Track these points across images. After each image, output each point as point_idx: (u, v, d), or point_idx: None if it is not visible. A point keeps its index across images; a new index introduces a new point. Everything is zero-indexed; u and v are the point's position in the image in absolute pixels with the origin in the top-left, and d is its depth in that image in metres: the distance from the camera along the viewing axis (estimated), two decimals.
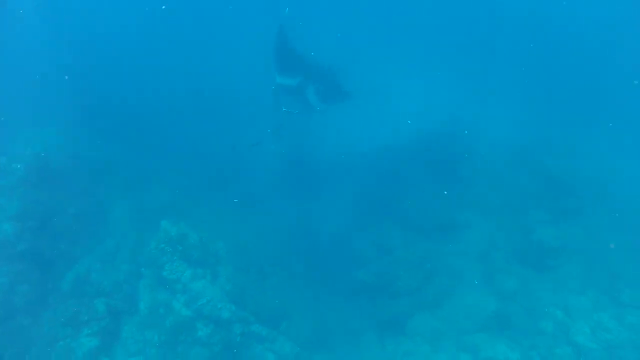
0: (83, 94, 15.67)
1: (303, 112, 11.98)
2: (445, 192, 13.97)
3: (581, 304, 12.05)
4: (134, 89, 16.05)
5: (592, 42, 18.46)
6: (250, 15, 18.71)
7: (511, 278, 12.83)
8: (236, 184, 13.82)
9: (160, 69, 16.77)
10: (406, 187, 14.35)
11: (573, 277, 12.66)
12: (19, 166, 13.04)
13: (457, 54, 18.66)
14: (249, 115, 14.43)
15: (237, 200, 13.24)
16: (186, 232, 11.74)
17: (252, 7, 19.41)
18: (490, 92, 17.16)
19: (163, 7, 19.17)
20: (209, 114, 15.51)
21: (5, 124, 14.73)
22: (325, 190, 14.15)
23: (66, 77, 15.17)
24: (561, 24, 19.03)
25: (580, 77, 17.58)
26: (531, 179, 14.46)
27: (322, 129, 14.29)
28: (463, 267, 13.15)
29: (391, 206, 14.11)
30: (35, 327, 11.73)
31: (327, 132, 14.11)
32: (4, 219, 12.18)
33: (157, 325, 11.03)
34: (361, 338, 12.59)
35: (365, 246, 13.49)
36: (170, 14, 18.93)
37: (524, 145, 15.32)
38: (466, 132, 15.47)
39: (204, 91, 15.80)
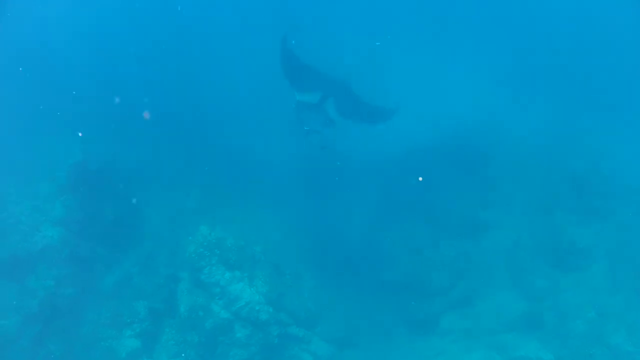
0: (116, 102, 15.90)
1: (325, 128, 11.65)
2: (473, 192, 13.86)
3: (614, 305, 11.86)
4: (167, 97, 16.24)
5: (622, 41, 18.13)
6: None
7: (540, 278, 12.76)
8: (268, 187, 13.89)
9: (193, 76, 16.95)
10: (434, 188, 14.32)
11: (604, 277, 12.49)
12: (60, 173, 13.32)
13: (483, 53, 18.47)
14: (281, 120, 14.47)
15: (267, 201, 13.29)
16: (223, 236, 11.95)
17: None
18: (517, 92, 16.98)
19: (179, 8, 19.28)
20: (240, 120, 15.61)
21: (45, 133, 15.05)
22: (354, 191, 14.23)
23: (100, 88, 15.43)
24: (593, 23, 18.70)
25: (610, 76, 17.30)
26: (559, 179, 14.30)
27: (349, 131, 14.24)
28: (492, 266, 13.12)
29: (420, 207, 14.11)
30: (78, 327, 12.03)
31: (355, 134, 14.12)
32: (49, 225, 12.50)
33: (197, 327, 11.26)
34: (392, 337, 12.68)
35: (394, 246, 13.53)
36: (200, 21, 19.11)
37: (551, 145, 15.14)
38: (493, 132, 15.33)
39: (235, 96, 15.92)
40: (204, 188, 14.10)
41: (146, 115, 15.72)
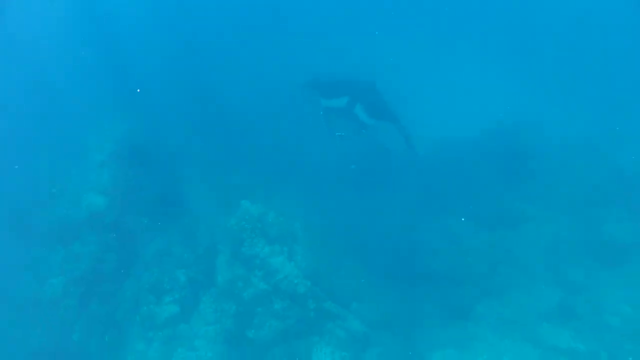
0: (163, 83, 16.11)
1: (356, 132, 11.53)
2: (513, 186, 13.66)
3: None
4: (211, 79, 16.39)
5: None
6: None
7: (577, 271, 12.44)
8: (308, 171, 13.88)
9: (236, 64, 17.06)
10: (472, 181, 14.14)
11: None
12: (107, 145, 13.54)
13: (521, 47, 18.20)
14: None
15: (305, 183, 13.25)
16: (264, 211, 11.98)
17: None
18: (557, 86, 16.69)
19: None
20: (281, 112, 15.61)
21: (93, 105, 15.33)
22: (394, 182, 14.13)
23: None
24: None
25: None
26: (599, 174, 13.97)
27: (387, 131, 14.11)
28: (529, 258, 12.85)
29: (458, 199, 13.95)
30: (120, 292, 12.21)
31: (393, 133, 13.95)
32: (96, 192, 12.74)
33: (235, 297, 11.30)
34: (426, 322, 12.52)
35: (432, 236, 13.37)
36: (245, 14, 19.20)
37: (591, 139, 14.83)
38: (534, 128, 15.09)
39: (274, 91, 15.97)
40: (244, 169, 14.09)
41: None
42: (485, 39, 19.37)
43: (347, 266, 12.30)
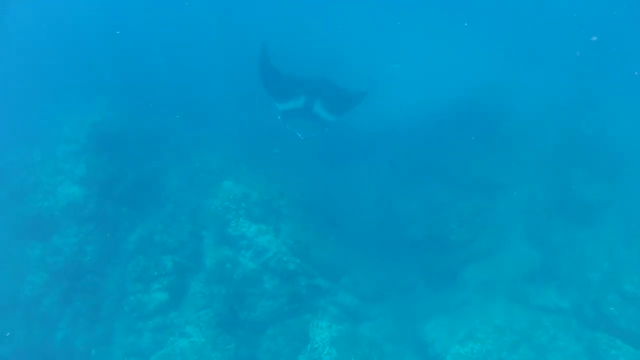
0: (131, 66, 15.30)
1: (320, 130, 10.37)
2: (486, 153, 13.54)
3: (627, 256, 11.67)
4: (179, 62, 15.64)
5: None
6: None
7: (555, 232, 12.54)
8: (283, 149, 13.40)
9: (209, 43, 16.34)
10: (448, 150, 13.98)
11: (617, 231, 12.29)
12: (81, 134, 12.76)
13: (490, 14, 18.00)
14: None
15: (278, 151, 12.66)
16: (247, 191, 11.50)
17: None
18: (525, 54, 16.64)
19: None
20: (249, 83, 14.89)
21: (63, 96, 14.45)
22: (372, 155, 13.84)
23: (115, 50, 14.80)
24: None
25: (615, 40, 16.98)
26: (567, 139, 14.05)
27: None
28: (508, 222, 12.88)
29: (436, 168, 13.78)
30: (105, 284, 11.57)
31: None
32: (72, 182, 11.99)
33: (225, 279, 10.85)
34: (414, 291, 12.40)
35: (412, 205, 13.19)
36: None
37: (557, 105, 14.87)
38: (503, 95, 15.02)
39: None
40: (219, 150, 13.53)
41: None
42: (450, 6, 18.96)
43: (332, 241, 11.99)
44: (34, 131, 13.34)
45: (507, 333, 10.63)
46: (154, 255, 11.36)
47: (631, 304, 10.50)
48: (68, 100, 14.13)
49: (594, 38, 14.19)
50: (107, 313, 11.26)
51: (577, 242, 12.37)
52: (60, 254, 11.49)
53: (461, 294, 11.89)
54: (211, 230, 11.61)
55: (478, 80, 15.10)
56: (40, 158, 12.68)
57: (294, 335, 10.50)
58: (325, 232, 12.05)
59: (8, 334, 10.98)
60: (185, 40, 16.76)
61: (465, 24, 17.02)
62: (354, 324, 10.86)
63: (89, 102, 14.02)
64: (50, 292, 11.25)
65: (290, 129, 9.96)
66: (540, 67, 15.93)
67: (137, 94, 14.75)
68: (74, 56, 15.53)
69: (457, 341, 10.60)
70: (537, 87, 15.31)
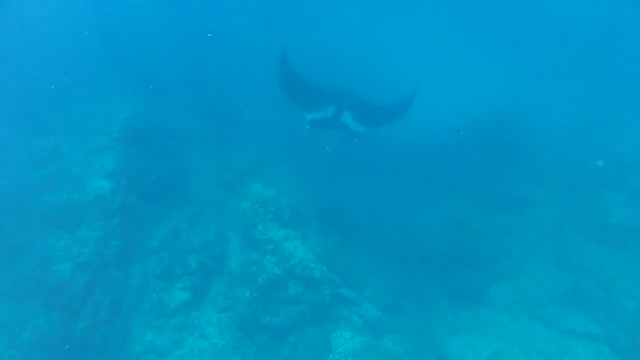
0: (165, 67, 15.28)
1: (349, 141, 9.97)
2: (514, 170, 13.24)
3: None
4: (214, 64, 15.59)
5: None
6: None
7: (584, 254, 12.17)
8: (314, 157, 13.21)
9: (244, 43, 16.27)
10: (475, 167, 13.73)
11: None
12: (112, 128, 12.73)
13: (518, 34, 17.77)
14: None
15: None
16: (276, 195, 11.31)
17: None
18: (555, 73, 16.35)
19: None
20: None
21: (94, 88, 14.45)
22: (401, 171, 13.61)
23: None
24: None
25: None
26: (598, 159, 13.68)
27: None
28: (536, 241, 12.56)
29: (461, 184, 13.50)
30: (127, 279, 11.44)
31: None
32: (102, 176, 11.92)
33: (249, 282, 10.65)
34: (436, 306, 12.10)
35: (436, 221, 12.92)
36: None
37: (589, 125, 14.60)
38: (531, 111, 14.73)
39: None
40: (254, 151, 13.41)
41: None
42: (478, 27, 18.83)
43: (356, 251, 11.72)
44: (64, 122, 13.27)
45: (534, 356, 10.24)
46: (178, 254, 11.22)
47: None
48: (99, 92, 14.09)
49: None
50: (128, 308, 11.11)
51: (608, 266, 11.96)
52: (85, 245, 11.39)
53: (486, 313, 11.57)
54: (237, 232, 11.46)
55: (509, 98, 14.85)
56: (71, 149, 12.57)
57: (316, 344, 10.24)
58: (349, 242, 11.79)
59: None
60: (222, 40, 16.68)
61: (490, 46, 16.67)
62: (376, 337, 10.56)
63: (120, 96, 13.94)
64: (73, 282, 11.12)
65: (318, 140, 9.64)
66: (572, 87, 15.63)
67: (168, 91, 14.67)
68: (108, 50, 15.51)
69: None
70: (571, 106, 15.00)
